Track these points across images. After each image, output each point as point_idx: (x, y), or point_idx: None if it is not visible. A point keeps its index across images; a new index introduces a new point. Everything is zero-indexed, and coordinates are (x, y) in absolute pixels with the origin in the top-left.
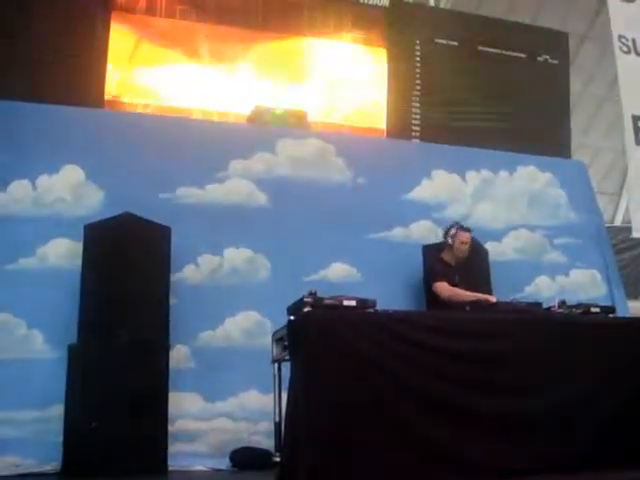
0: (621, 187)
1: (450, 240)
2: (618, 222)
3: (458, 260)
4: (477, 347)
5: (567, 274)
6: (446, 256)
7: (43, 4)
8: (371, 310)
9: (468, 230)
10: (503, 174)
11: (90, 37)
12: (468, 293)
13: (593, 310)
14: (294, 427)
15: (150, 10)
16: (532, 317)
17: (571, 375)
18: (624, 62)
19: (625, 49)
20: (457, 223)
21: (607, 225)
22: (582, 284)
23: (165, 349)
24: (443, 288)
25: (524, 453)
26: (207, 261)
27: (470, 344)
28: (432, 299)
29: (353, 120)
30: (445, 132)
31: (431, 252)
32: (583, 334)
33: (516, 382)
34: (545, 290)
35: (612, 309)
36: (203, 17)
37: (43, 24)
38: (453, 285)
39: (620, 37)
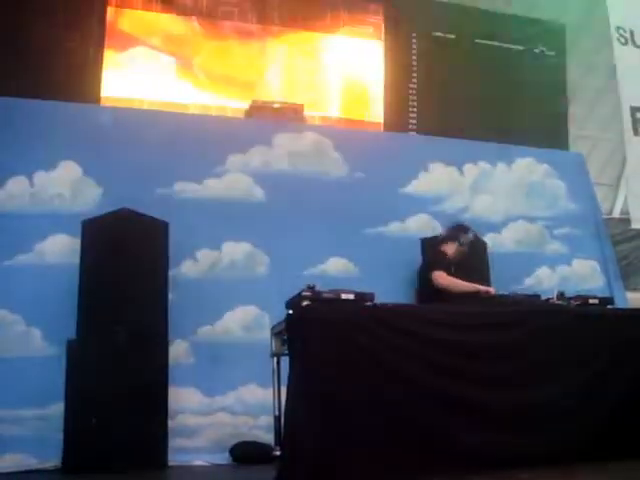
0: (619, 178)
1: (462, 240)
2: (616, 214)
3: (458, 258)
4: (477, 339)
5: (566, 265)
6: (448, 250)
7: (40, 1)
8: (369, 304)
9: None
10: (501, 166)
11: (86, 33)
12: (467, 284)
13: (591, 301)
14: (294, 421)
15: (146, 6)
16: (530, 309)
17: (570, 366)
18: (622, 53)
19: (623, 40)
20: (469, 227)
21: (605, 216)
22: (581, 275)
23: (164, 344)
24: (442, 277)
25: (525, 445)
26: (205, 256)
27: (470, 336)
28: (429, 288)
29: (350, 113)
30: (442, 125)
31: (431, 244)
32: (581, 325)
33: (516, 374)
34: (545, 281)
35: (610, 300)
36: (199, 11)
37: (39, 21)
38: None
39: (618, 28)
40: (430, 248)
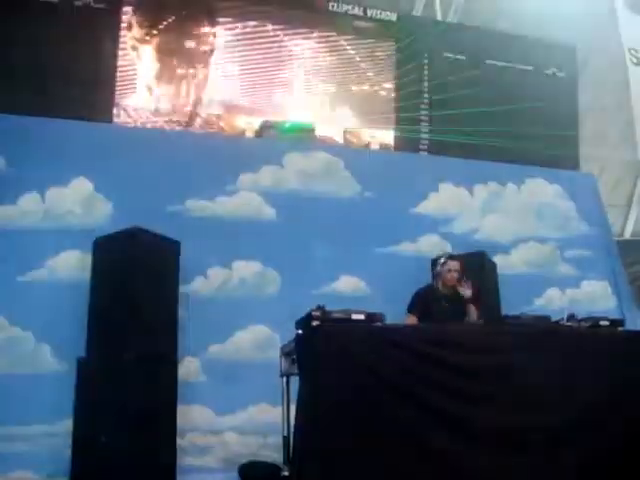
0: (630, 200)
1: (439, 268)
2: (627, 235)
3: (448, 287)
4: (486, 361)
5: (577, 286)
6: (438, 284)
7: (53, 21)
8: (379, 324)
9: (457, 259)
10: (511, 187)
11: (99, 52)
12: None
13: (602, 323)
14: (302, 441)
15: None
16: (540, 331)
17: (580, 389)
18: (635, 74)
19: (635, 61)
20: (448, 253)
21: (617, 238)
22: (592, 297)
23: (173, 363)
24: (408, 321)
25: (535, 468)
26: (216, 274)
27: (479, 358)
28: None
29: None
30: (453, 145)
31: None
32: (592, 347)
33: (524, 397)
34: (555, 303)
35: (621, 322)
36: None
37: (52, 40)
38: (439, 313)
39: (630, 49)
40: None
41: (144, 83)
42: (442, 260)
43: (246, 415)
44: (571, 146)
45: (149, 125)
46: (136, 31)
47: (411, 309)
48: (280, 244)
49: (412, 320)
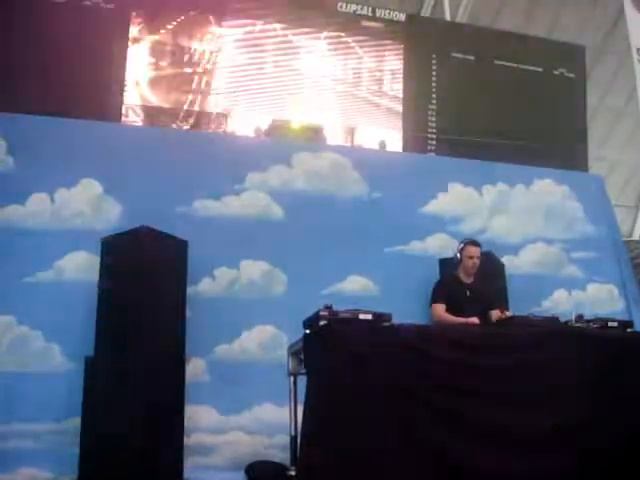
0: (639, 200)
1: (459, 255)
2: (636, 236)
3: (470, 275)
4: (493, 361)
5: (584, 288)
6: (459, 273)
7: (62, 20)
8: (387, 324)
9: (477, 245)
10: (520, 187)
11: (108, 52)
12: (454, 319)
13: (611, 324)
14: (310, 441)
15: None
16: (549, 331)
17: (588, 390)
18: None
19: None
20: (467, 238)
21: (625, 239)
22: (599, 298)
23: (181, 362)
24: (436, 312)
25: (538, 469)
26: (224, 274)
27: (486, 358)
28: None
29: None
30: (461, 146)
31: (447, 268)
32: (601, 349)
33: (532, 396)
34: (562, 304)
35: (630, 323)
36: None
37: (62, 40)
38: (463, 301)
39: (638, 49)
40: (444, 274)
41: (147, 82)
42: (461, 246)
43: (252, 415)
44: (580, 147)
45: (157, 125)
46: (135, 30)
47: (437, 299)
48: (288, 244)
49: (441, 309)
